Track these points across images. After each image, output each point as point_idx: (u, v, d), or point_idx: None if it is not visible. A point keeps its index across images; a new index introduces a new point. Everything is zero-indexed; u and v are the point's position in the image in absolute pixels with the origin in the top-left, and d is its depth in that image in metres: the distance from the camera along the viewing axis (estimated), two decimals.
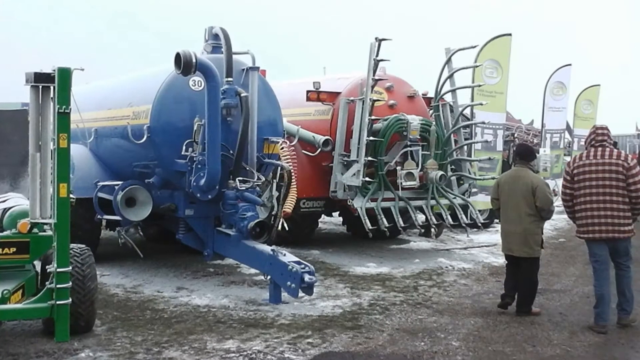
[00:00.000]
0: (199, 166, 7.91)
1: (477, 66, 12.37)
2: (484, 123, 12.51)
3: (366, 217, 10.24)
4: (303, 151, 10.98)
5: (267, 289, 7.63)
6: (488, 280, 9.06)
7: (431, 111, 11.77)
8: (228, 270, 9.29)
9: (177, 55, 7.48)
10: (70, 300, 5.68)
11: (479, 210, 11.94)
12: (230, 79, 8.14)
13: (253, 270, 8.78)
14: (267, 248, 7.57)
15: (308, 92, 10.92)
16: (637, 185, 6.37)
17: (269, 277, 7.55)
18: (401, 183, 10.55)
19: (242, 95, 8.18)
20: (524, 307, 7.13)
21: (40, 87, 5.71)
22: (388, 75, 11.32)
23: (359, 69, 10.92)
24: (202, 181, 7.89)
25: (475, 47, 11.99)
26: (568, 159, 14.16)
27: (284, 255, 7.40)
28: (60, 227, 5.64)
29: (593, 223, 6.51)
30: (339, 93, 11.02)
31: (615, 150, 6.62)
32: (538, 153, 16.18)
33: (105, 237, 10.69)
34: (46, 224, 5.89)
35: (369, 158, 10.34)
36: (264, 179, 8.47)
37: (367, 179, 10.35)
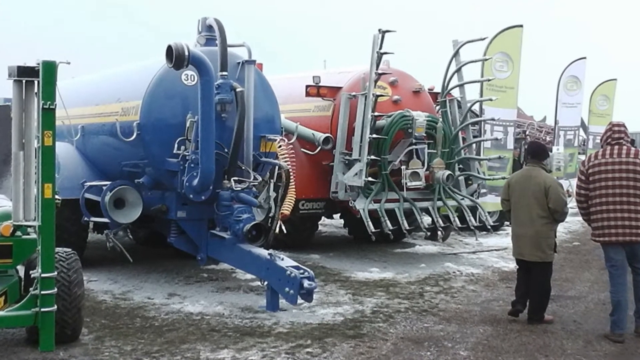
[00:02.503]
0: (192, 165, 7.91)
1: (486, 59, 12.37)
2: (493, 120, 12.50)
3: (369, 219, 10.24)
4: (302, 149, 10.98)
5: (264, 296, 7.63)
6: (498, 286, 9.07)
7: (438, 107, 11.77)
8: (223, 276, 9.29)
9: (169, 48, 7.48)
10: (55, 307, 5.67)
11: (489, 212, 11.93)
12: (225, 73, 8.14)
13: (249, 276, 8.79)
14: (264, 252, 7.58)
15: (307, 87, 10.92)
16: None
17: (266, 283, 7.56)
18: (406, 183, 10.54)
19: (237, 90, 8.18)
20: (536, 315, 7.13)
21: (24, 81, 5.71)
22: (392, 69, 11.32)
23: (361, 63, 10.93)
24: (195, 181, 7.89)
25: (484, 39, 11.99)
26: (583, 157, 14.17)
27: (282, 259, 7.40)
28: (45, 230, 5.63)
29: (609, 225, 6.50)
30: (340, 88, 11.02)
31: (633, 148, 6.62)
32: (551, 151, 16.19)
33: (92, 241, 10.70)
34: (30, 226, 5.89)
35: (372, 157, 10.34)
36: (260, 179, 8.47)
37: (369, 179, 10.35)
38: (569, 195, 10.39)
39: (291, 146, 9.97)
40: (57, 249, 5.89)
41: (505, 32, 13.45)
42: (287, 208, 9.19)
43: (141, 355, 5.83)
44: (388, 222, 10.35)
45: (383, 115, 10.65)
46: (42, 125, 5.57)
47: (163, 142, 8.17)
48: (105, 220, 8.58)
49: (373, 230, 10.22)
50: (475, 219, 11.25)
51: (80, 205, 8.77)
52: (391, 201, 10.65)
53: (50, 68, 5.59)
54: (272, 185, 8.57)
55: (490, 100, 11.91)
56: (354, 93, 10.67)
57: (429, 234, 12.06)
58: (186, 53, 7.45)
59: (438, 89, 11.87)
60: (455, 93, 11.80)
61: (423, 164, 10.70)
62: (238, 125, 8.12)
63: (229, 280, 9.07)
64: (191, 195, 8.03)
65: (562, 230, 14.21)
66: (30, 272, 5.89)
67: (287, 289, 7.07)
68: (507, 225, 11.78)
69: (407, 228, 10.68)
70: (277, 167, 8.65)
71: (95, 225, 10.11)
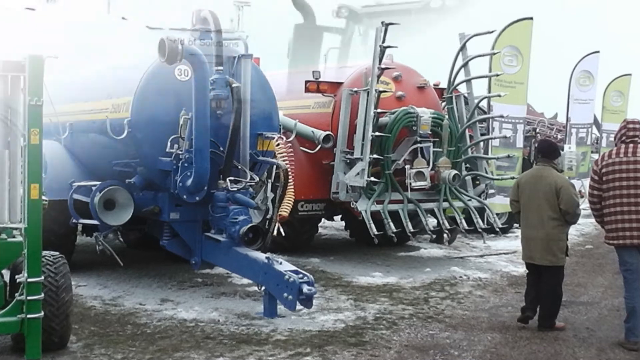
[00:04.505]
0: (186, 165, 7.91)
1: (494, 53, 12.36)
2: (502, 117, 12.49)
3: (371, 222, 10.24)
4: (301, 148, 10.98)
5: (261, 301, 7.63)
6: (507, 292, 9.08)
7: (443, 103, 11.78)
8: (218, 281, 9.30)
9: (162, 42, 7.48)
10: (42, 313, 5.67)
11: (497, 214, 11.92)
12: (220, 68, 8.14)
13: (245, 281, 8.79)
14: (261, 256, 7.58)
15: (307, 82, 10.92)
16: None
17: (263, 288, 7.56)
18: (410, 183, 10.54)
19: (233, 86, 8.18)
20: (546, 322, 7.13)
21: (10, 76, 5.71)
22: (396, 63, 11.32)
23: (363, 57, 10.93)
24: (189, 181, 7.89)
25: (492, 32, 11.98)
26: (596, 156, 14.16)
27: (280, 263, 7.40)
28: (32, 233, 5.63)
29: (624, 228, 6.50)
30: (341, 83, 11.02)
31: None
32: (562, 150, 16.19)
33: (81, 244, 10.70)
34: (16, 229, 5.89)
35: (375, 156, 10.34)
36: (257, 179, 8.46)
37: (372, 179, 10.35)
38: (582, 196, 10.41)
39: (290, 144, 10.00)
40: (44, 253, 5.89)
41: (515, 24, 13.44)
42: (285, 209, 9.21)
43: None
44: (391, 224, 10.35)
45: (386, 112, 10.64)
46: (28, 122, 5.57)
47: (155, 140, 8.16)
48: (95, 222, 8.55)
49: (376, 232, 10.21)
50: (483, 221, 11.24)
51: (68, 206, 8.77)
52: (395, 202, 10.65)
53: (37, 63, 5.59)
54: (269, 185, 8.58)
55: (499, 96, 11.89)
56: (355, 89, 10.67)
57: (434, 236, 12.03)
58: (179, 47, 7.45)
59: (444, 85, 11.86)
60: (462, 89, 11.80)
61: (428, 163, 10.69)
62: (234, 122, 8.11)
63: (225, 285, 9.07)
64: (185, 196, 8.02)
65: (574, 232, 14.21)
66: (16, 276, 5.88)
67: (285, 295, 7.07)
68: (517, 228, 11.78)
69: (412, 230, 10.69)
70: (275, 167, 8.65)
71: (84, 228, 10.09)
